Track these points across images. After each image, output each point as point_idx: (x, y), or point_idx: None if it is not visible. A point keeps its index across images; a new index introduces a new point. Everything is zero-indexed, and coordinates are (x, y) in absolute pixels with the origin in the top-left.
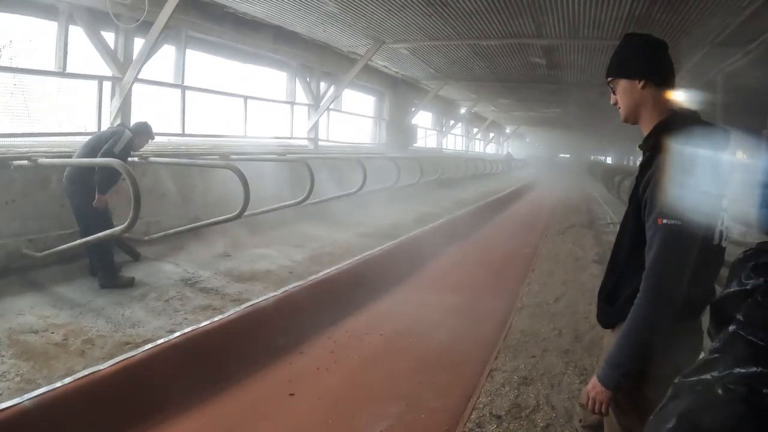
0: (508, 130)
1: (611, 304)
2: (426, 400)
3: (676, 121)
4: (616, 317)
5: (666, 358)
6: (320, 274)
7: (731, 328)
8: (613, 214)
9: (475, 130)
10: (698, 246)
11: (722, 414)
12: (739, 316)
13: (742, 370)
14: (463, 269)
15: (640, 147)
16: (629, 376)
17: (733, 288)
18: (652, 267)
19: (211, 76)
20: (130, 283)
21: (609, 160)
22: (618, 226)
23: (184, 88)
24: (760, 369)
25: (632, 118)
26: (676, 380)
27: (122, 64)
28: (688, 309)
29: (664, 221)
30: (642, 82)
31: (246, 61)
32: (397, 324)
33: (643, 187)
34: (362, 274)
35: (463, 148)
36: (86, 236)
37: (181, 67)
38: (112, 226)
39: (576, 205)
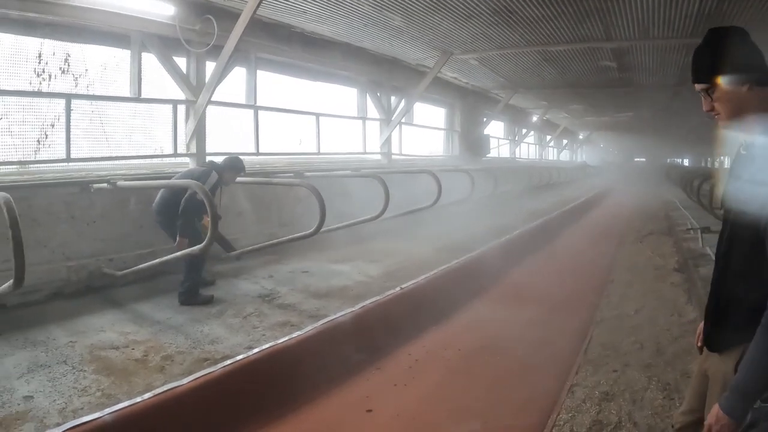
0: (581, 137)
1: (721, 325)
2: (504, 418)
3: None
4: (728, 340)
5: None
6: (396, 289)
7: None
8: (693, 219)
9: (548, 137)
10: None
11: None
12: None
13: None
14: (540, 281)
15: (746, 150)
16: (752, 405)
17: None
18: None
19: (282, 96)
20: (209, 301)
21: (686, 163)
22: (699, 231)
23: (256, 108)
24: None
25: (734, 120)
26: (756, 405)
27: (195, 87)
28: None
29: None
30: (747, 85)
31: (316, 78)
32: (475, 339)
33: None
34: (439, 289)
35: (537, 157)
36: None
37: (252, 88)
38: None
39: (653, 211)
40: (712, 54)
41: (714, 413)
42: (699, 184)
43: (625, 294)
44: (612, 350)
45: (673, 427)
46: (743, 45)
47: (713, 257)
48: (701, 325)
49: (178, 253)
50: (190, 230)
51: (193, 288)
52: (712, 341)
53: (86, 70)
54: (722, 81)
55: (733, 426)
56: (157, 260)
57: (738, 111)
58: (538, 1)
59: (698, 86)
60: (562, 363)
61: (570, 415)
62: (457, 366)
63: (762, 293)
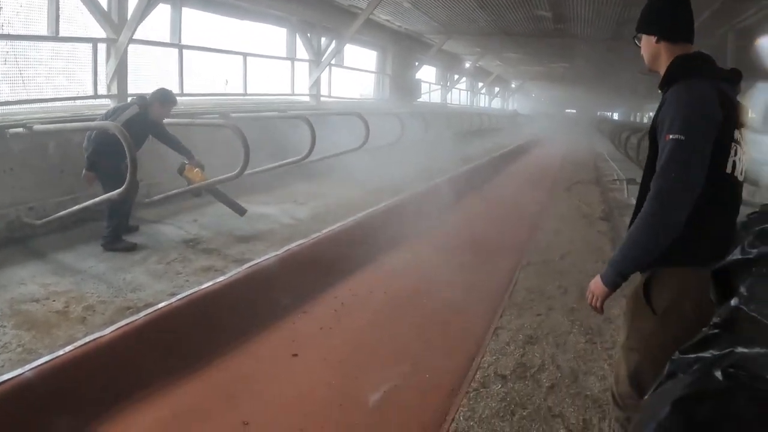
0: (513, 85)
1: None
2: (431, 360)
3: (684, 58)
4: None
5: (686, 296)
6: (323, 231)
7: (733, 302)
8: (620, 171)
9: (480, 84)
10: (705, 163)
11: (721, 404)
12: (743, 289)
13: (745, 350)
14: (469, 226)
15: (659, 88)
16: (625, 278)
17: (737, 256)
18: (659, 172)
19: (208, 35)
20: (132, 248)
21: (616, 116)
22: (624, 182)
23: (181, 47)
24: (765, 350)
25: (653, 67)
26: (674, 356)
27: (116, 25)
28: (710, 250)
29: (671, 136)
30: (654, 38)
31: (244, 17)
32: (403, 282)
33: (657, 116)
34: (367, 232)
35: (468, 103)
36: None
37: (177, 26)
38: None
39: (582, 161)
40: (643, 8)
41: (594, 280)
42: (627, 137)
43: (552, 240)
44: (537, 294)
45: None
46: (663, 6)
47: None
48: None
49: (97, 199)
50: (100, 169)
51: (115, 233)
52: None
53: (0, 7)
54: (639, 29)
55: (605, 291)
56: (78, 206)
57: (651, 59)
58: None
59: (634, 36)
60: (489, 306)
61: (494, 357)
62: (385, 309)
63: None
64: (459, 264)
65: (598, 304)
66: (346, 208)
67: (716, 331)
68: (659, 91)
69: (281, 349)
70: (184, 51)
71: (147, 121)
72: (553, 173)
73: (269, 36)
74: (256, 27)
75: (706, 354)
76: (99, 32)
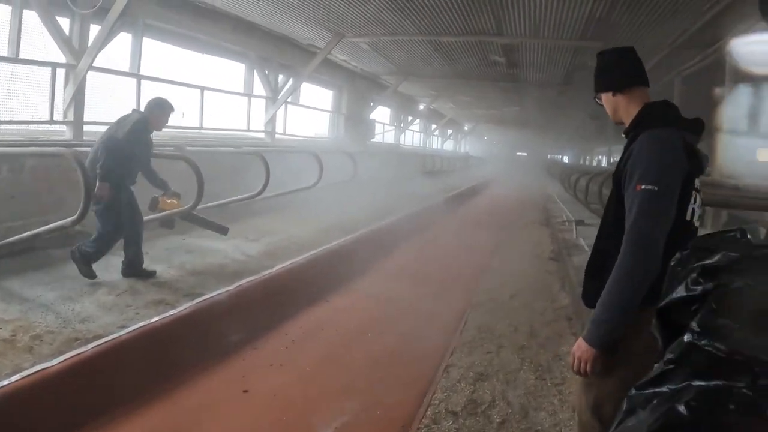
0: (466, 128)
1: (596, 278)
2: (382, 397)
3: (652, 107)
4: (599, 294)
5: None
6: (275, 268)
7: (686, 337)
8: (569, 212)
9: (434, 126)
10: (673, 213)
11: None
12: (694, 325)
13: (702, 383)
14: (421, 265)
15: (624, 133)
16: (615, 335)
17: (681, 293)
18: (632, 225)
19: (167, 66)
20: (152, 275)
21: (566, 159)
22: (573, 224)
23: (139, 78)
24: (723, 382)
25: (616, 120)
26: (630, 392)
27: (77, 50)
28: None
29: (642, 186)
30: (610, 93)
31: (203, 51)
32: (354, 319)
33: (624, 162)
34: (318, 269)
35: (421, 145)
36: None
37: (137, 56)
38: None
39: (533, 202)
40: (595, 72)
41: (577, 343)
42: (576, 180)
43: (502, 280)
44: (488, 333)
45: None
46: (610, 63)
47: (587, 248)
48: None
49: (50, 226)
50: (109, 172)
51: (136, 259)
52: (587, 296)
53: None
54: (597, 89)
55: (590, 352)
56: (28, 233)
57: (614, 113)
58: None
59: (595, 97)
60: (440, 344)
61: (445, 394)
62: (335, 346)
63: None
64: (410, 302)
65: (589, 368)
66: (297, 245)
67: (671, 366)
68: (624, 136)
69: (232, 385)
70: (142, 81)
71: (149, 131)
72: (503, 214)
73: (227, 71)
74: (215, 61)
75: (663, 389)
76: (58, 57)
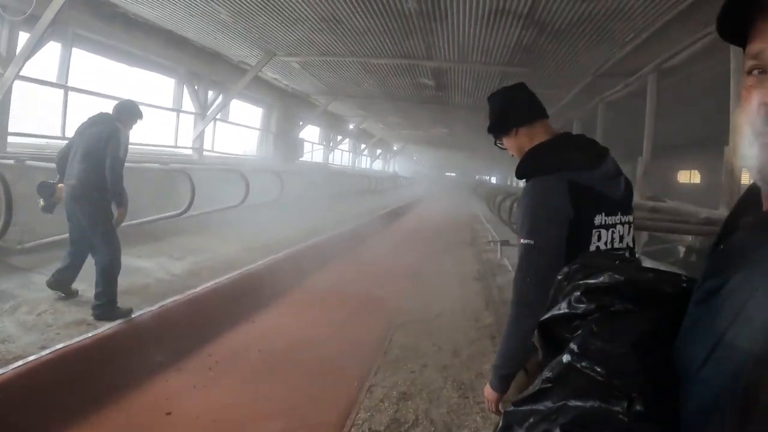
0: (395, 148)
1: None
2: (305, 418)
3: (534, 152)
4: None
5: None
6: (199, 288)
7: (565, 358)
8: (494, 232)
9: (363, 146)
10: (556, 264)
11: None
12: (573, 347)
13: (578, 404)
14: (346, 284)
15: (517, 178)
16: (509, 379)
17: (563, 310)
18: (515, 276)
19: (97, 78)
20: (129, 314)
21: (494, 180)
22: (498, 244)
23: (67, 89)
24: (599, 404)
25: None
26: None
27: (4, 59)
28: None
29: (521, 240)
30: (515, 130)
31: (134, 64)
32: (278, 340)
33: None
34: (243, 289)
35: (350, 164)
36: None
37: (65, 66)
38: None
39: (460, 223)
40: (489, 116)
41: (485, 387)
42: (501, 201)
43: (427, 300)
44: (411, 352)
45: None
46: (504, 104)
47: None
48: None
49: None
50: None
51: (112, 300)
52: None
53: None
54: (495, 134)
55: (492, 394)
56: None
57: (520, 149)
58: (364, 13)
59: (495, 141)
60: (364, 364)
61: (369, 414)
62: (259, 367)
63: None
64: (335, 321)
65: (493, 408)
66: (223, 264)
67: (549, 385)
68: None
69: (154, 407)
70: (70, 93)
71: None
72: (430, 235)
73: (157, 85)
74: (144, 75)
75: (540, 407)
76: None
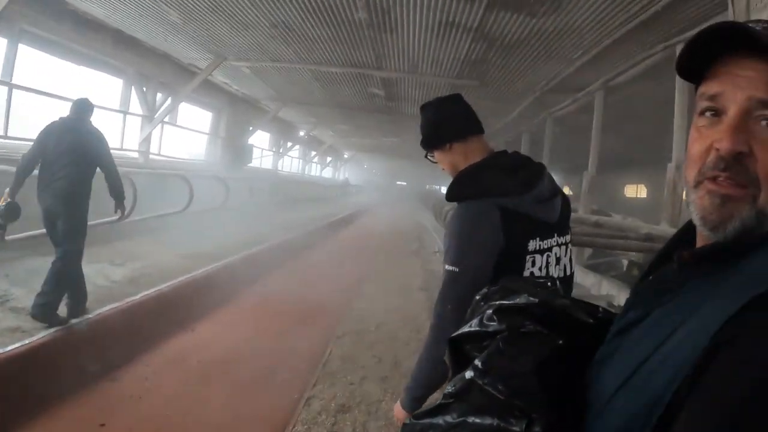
0: (346, 155)
1: None
2: (242, 430)
3: (466, 175)
4: None
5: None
6: (138, 296)
7: (468, 374)
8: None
9: (313, 153)
10: (477, 290)
11: None
12: (478, 363)
13: (477, 420)
14: (289, 294)
15: (448, 201)
16: (420, 401)
17: (474, 327)
18: (436, 302)
19: (43, 75)
20: (64, 323)
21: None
22: (443, 254)
23: (11, 86)
24: (496, 422)
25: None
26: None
27: None
28: None
29: (446, 266)
30: (449, 145)
31: (82, 63)
32: (217, 350)
33: None
34: (182, 297)
35: (300, 171)
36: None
37: (11, 62)
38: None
39: (406, 232)
40: (421, 128)
41: (395, 406)
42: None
43: (369, 309)
44: (351, 363)
45: None
46: (438, 115)
47: None
48: None
49: None
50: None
51: (55, 305)
52: None
53: None
54: (430, 148)
55: (402, 414)
56: None
57: (453, 166)
58: (316, 22)
59: (426, 154)
60: (303, 375)
61: (306, 427)
62: (196, 377)
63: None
64: (274, 332)
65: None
66: (165, 271)
67: (450, 400)
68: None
69: (88, 418)
70: (14, 90)
71: None
72: (376, 244)
73: (104, 85)
74: (92, 74)
75: (439, 421)
76: None
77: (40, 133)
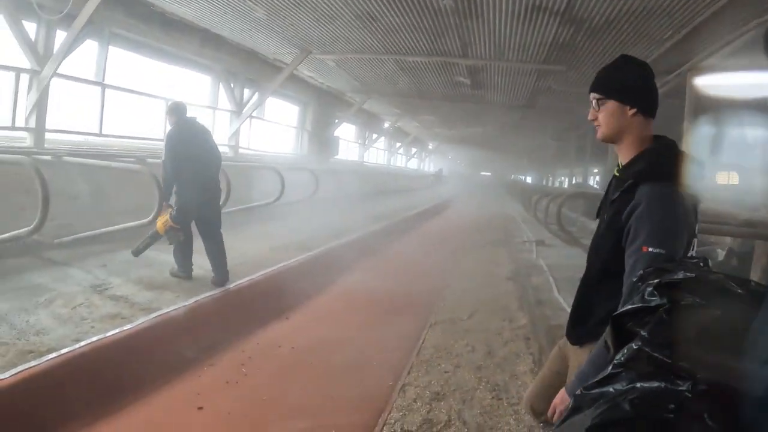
0: (430, 146)
1: (583, 323)
2: (336, 416)
3: (663, 153)
4: (587, 336)
5: None
6: (232, 284)
7: (635, 344)
8: (529, 232)
9: (398, 144)
10: None
11: (630, 430)
12: (644, 333)
13: (645, 385)
14: (379, 284)
15: (619, 172)
16: None
17: (636, 304)
18: (627, 284)
19: (133, 76)
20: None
21: (528, 180)
22: (533, 244)
23: (104, 87)
24: (663, 384)
25: (612, 140)
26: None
27: (42, 57)
28: None
29: (649, 249)
30: (634, 110)
31: (170, 62)
32: (310, 337)
33: (627, 215)
34: (275, 286)
35: (385, 163)
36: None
37: (102, 64)
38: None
39: (493, 222)
40: (616, 71)
41: (560, 395)
42: (537, 200)
43: (460, 299)
44: (444, 352)
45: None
46: (645, 77)
47: (545, 268)
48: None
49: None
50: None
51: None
52: (572, 335)
53: None
54: (613, 95)
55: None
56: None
57: (617, 129)
58: (399, 11)
59: (593, 95)
60: (396, 363)
61: (401, 414)
62: (291, 364)
63: (617, 301)
64: (368, 320)
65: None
66: (256, 261)
67: (619, 369)
68: (617, 173)
69: (186, 402)
70: (107, 90)
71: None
72: (464, 234)
73: (193, 83)
74: (181, 73)
75: (609, 389)
76: (23, 62)
77: (169, 141)
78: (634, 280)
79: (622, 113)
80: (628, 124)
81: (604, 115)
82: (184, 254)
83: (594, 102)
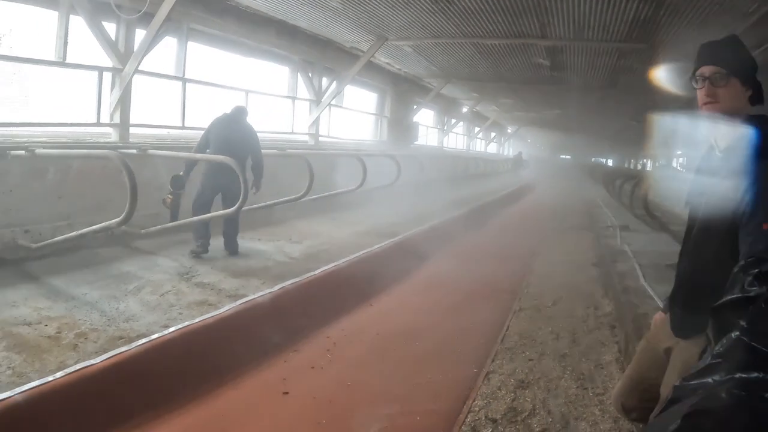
0: (509, 130)
1: (692, 313)
2: (421, 402)
3: None
4: (696, 327)
5: None
6: (317, 271)
7: (734, 334)
8: (613, 217)
9: (477, 129)
10: None
11: (726, 419)
12: (743, 323)
13: (744, 375)
14: (462, 270)
15: (723, 152)
16: None
17: (736, 294)
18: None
19: (212, 69)
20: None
21: (610, 163)
22: (617, 229)
23: (184, 81)
24: (762, 375)
25: (733, 113)
26: (677, 383)
27: (123, 55)
28: None
29: None
30: (749, 93)
31: (248, 54)
32: (394, 324)
33: (743, 195)
34: (359, 273)
35: (465, 147)
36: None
37: (182, 60)
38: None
39: (576, 207)
40: (741, 51)
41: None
42: (621, 184)
43: (543, 286)
44: (529, 339)
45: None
46: (756, 68)
47: (630, 254)
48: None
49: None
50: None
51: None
52: (681, 327)
53: (10, 30)
54: (739, 74)
55: None
56: (74, 233)
57: (735, 108)
58: None
59: (711, 69)
60: (480, 350)
61: (485, 401)
62: (376, 350)
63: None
64: (451, 307)
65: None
66: (339, 247)
67: (718, 360)
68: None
69: (272, 387)
70: (187, 84)
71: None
72: (546, 218)
73: (271, 74)
74: (259, 64)
75: (708, 380)
76: (105, 61)
77: (208, 126)
78: (735, 270)
79: (742, 95)
80: (743, 107)
81: (725, 91)
82: (199, 232)
83: (710, 77)
